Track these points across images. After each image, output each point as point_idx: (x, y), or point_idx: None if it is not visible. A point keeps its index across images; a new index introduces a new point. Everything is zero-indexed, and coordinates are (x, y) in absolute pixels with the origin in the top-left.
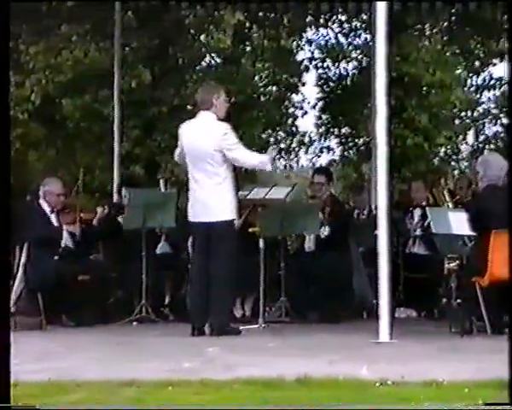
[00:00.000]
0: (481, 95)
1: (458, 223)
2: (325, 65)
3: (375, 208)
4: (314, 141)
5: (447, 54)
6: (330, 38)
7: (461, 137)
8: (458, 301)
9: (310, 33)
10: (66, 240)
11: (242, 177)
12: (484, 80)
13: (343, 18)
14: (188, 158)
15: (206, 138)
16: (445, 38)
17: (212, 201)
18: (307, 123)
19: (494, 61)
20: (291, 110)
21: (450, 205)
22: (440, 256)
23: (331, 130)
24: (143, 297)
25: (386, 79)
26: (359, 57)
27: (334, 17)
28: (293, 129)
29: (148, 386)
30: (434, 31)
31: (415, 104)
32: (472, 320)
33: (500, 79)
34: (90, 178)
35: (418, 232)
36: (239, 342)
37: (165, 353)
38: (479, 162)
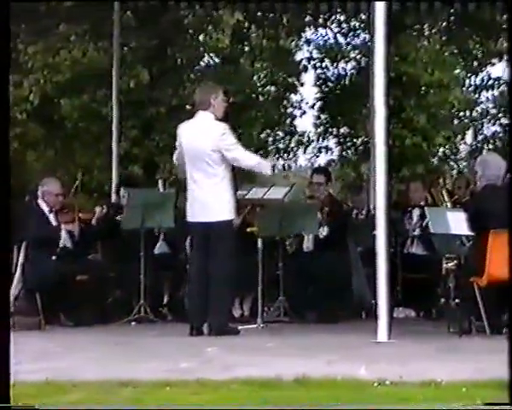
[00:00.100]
0: (480, 95)
1: (456, 223)
2: (324, 65)
3: (374, 208)
4: (312, 141)
5: (446, 54)
6: (329, 38)
7: (459, 137)
8: (457, 301)
9: (308, 33)
10: (64, 240)
11: (241, 177)
12: (482, 80)
13: (342, 18)
14: (186, 158)
15: (204, 138)
16: (443, 38)
17: (210, 201)
18: (306, 123)
19: (493, 61)
20: (289, 110)
21: (449, 205)
22: (439, 256)
23: (330, 130)
24: (142, 297)
25: (385, 78)
26: (358, 57)
27: (333, 17)
28: (292, 129)
29: (146, 386)
30: (433, 31)
31: (413, 104)
32: (470, 320)
33: (498, 78)
34: (88, 178)
35: (416, 232)
36: (237, 342)
37: (164, 353)
38: (477, 162)
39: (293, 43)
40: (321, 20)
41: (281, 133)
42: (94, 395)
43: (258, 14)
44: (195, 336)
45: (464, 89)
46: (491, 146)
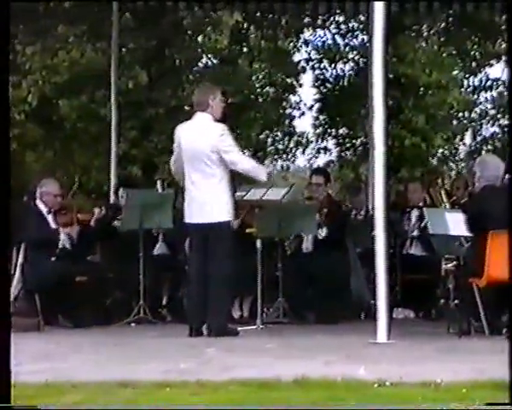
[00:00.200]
0: (478, 96)
1: (455, 224)
2: (322, 66)
3: (373, 209)
4: (311, 142)
5: (444, 55)
6: (327, 39)
7: (458, 137)
8: (456, 301)
9: (307, 34)
10: (63, 241)
11: (239, 178)
12: (481, 81)
13: (340, 19)
14: (184, 159)
15: (202, 139)
16: (442, 39)
17: (208, 201)
18: (304, 124)
19: (491, 61)
20: (288, 111)
21: (448, 206)
22: (438, 257)
23: (328, 131)
24: (141, 298)
25: (384, 79)
26: (356, 58)
27: (332, 18)
28: (291, 130)
29: (145, 387)
30: (431, 32)
31: (412, 105)
32: (470, 321)
33: (497, 79)
34: (86, 179)
35: (415, 233)
36: (237, 343)
37: (163, 354)
38: (476, 163)
39: (292, 43)
40: (319, 21)
41: (279, 134)
42: (93, 396)
43: (257, 14)
44: (195, 337)
45: (463, 90)
46: (489, 147)
